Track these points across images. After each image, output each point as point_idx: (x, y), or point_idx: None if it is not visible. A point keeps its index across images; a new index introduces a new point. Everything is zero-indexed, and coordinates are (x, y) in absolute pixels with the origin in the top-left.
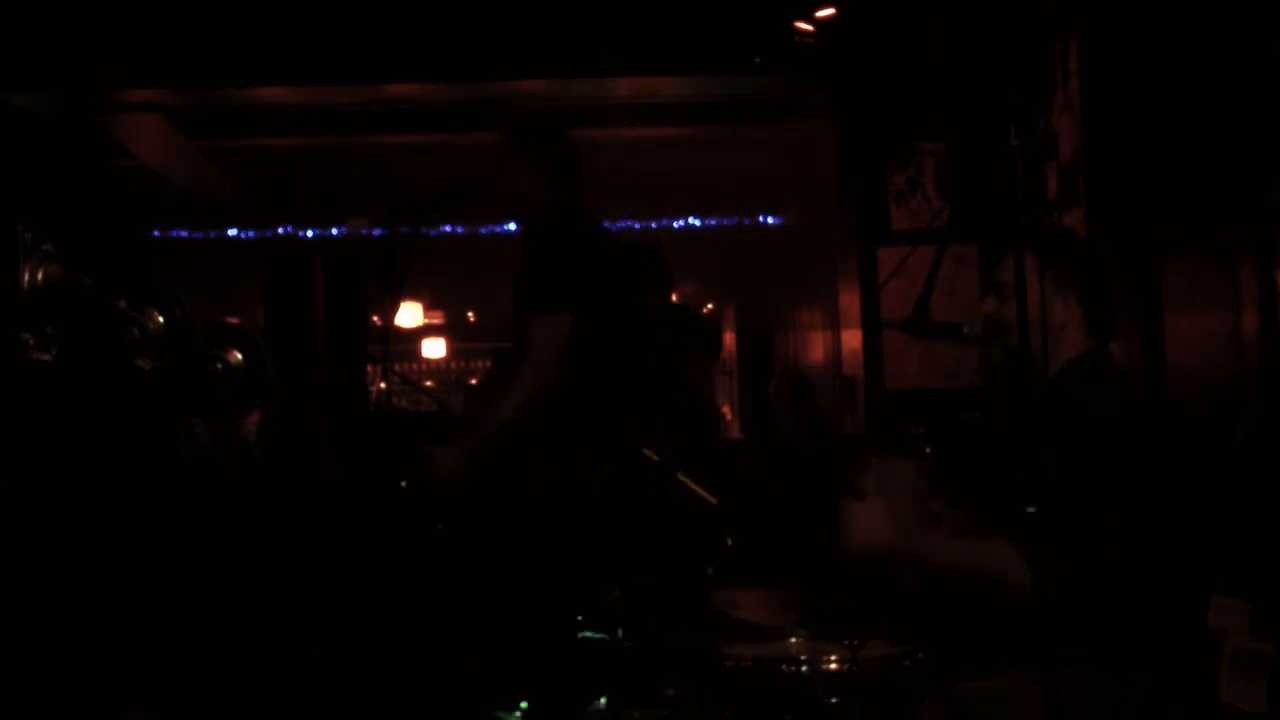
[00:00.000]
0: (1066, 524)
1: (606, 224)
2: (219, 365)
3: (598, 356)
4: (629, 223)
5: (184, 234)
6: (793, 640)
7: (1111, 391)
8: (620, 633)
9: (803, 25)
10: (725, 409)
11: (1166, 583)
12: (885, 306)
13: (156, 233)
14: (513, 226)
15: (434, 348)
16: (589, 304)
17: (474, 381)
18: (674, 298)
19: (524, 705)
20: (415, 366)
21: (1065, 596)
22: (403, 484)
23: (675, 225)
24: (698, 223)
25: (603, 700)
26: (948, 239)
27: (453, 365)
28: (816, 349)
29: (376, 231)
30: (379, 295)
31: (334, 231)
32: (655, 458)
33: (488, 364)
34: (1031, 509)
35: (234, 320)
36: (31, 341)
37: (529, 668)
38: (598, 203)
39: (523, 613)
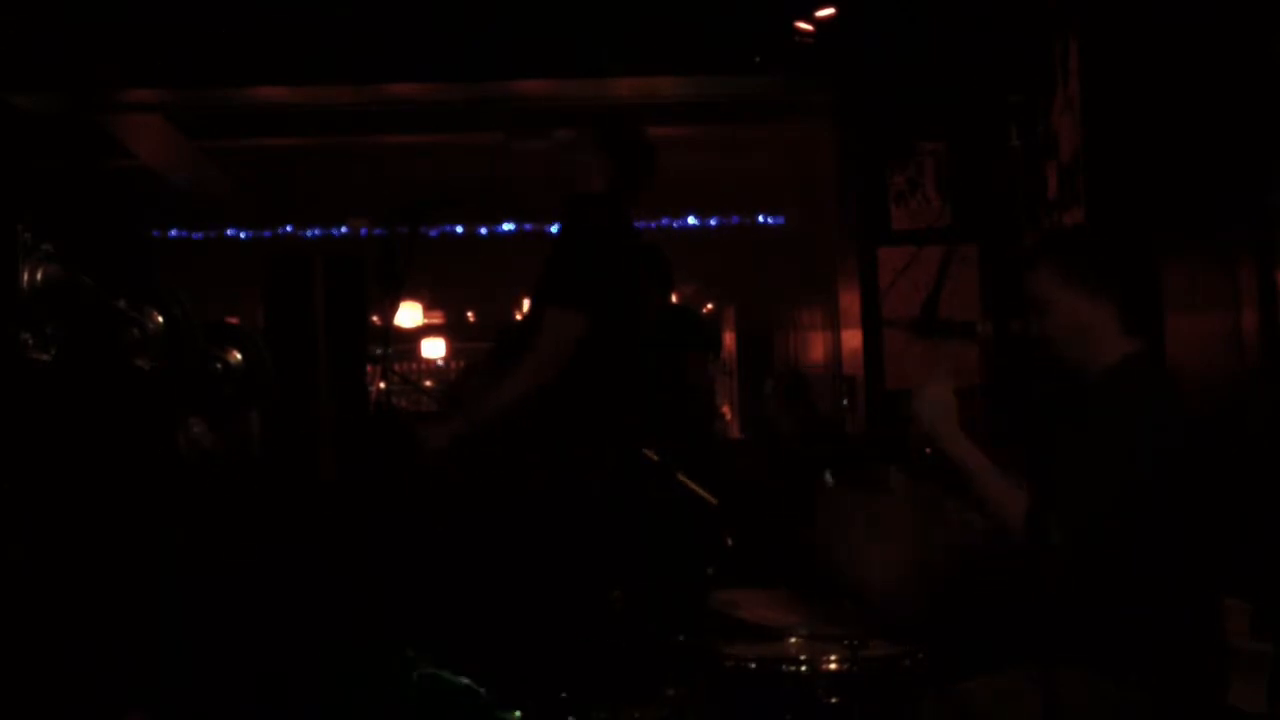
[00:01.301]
0: (1093, 524)
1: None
2: (219, 365)
3: (601, 356)
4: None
5: (184, 234)
6: (793, 640)
7: (1168, 394)
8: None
9: (803, 25)
10: (725, 409)
11: (1166, 583)
12: (886, 306)
13: (156, 233)
14: (512, 226)
15: (433, 347)
16: (601, 304)
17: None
18: (674, 298)
19: (524, 706)
20: (415, 366)
21: (1065, 596)
22: (405, 478)
23: (675, 225)
24: (697, 223)
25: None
26: (956, 241)
27: (452, 365)
28: (816, 349)
29: (377, 231)
30: (379, 295)
31: (334, 231)
32: (655, 458)
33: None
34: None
35: (234, 320)
36: (31, 341)
37: (529, 668)
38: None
39: (522, 613)
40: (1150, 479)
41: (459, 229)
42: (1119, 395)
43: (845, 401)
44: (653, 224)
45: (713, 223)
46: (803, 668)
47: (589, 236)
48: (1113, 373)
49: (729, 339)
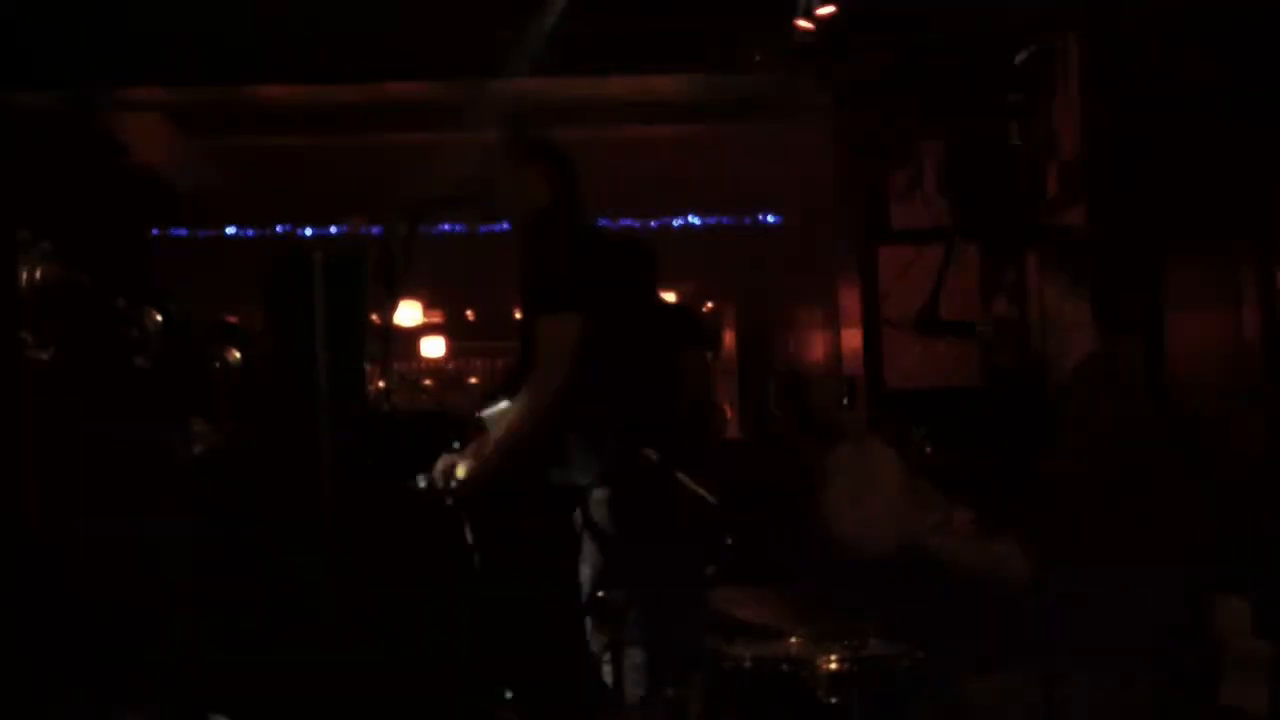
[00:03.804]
0: (1072, 524)
1: (604, 223)
2: (219, 365)
3: (602, 356)
4: (629, 222)
5: (184, 234)
6: (793, 640)
7: (1124, 393)
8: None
9: (803, 25)
10: (725, 408)
11: (1166, 583)
12: (886, 306)
13: (156, 232)
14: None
15: (433, 347)
16: (593, 305)
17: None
18: (674, 298)
19: (522, 704)
20: (415, 365)
21: (1064, 595)
22: (420, 482)
23: (675, 225)
24: (698, 222)
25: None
26: (955, 239)
27: (451, 364)
28: (816, 349)
29: (375, 230)
30: (379, 295)
31: (333, 230)
32: (655, 458)
33: (485, 362)
34: (1034, 508)
35: (234, 320)
36: (30, 340)
37: (529, 667)
38: (597, 202)
39: (522, 612)
40: (1111, 478)
41: (459, 229)
42: (1079, 394)
43: (845, 401)
44: (653, 223)
45: (712, 222)
46: (803, 668)
47: (562, 249)
48: (1076, 373)
49: (729, 338)
